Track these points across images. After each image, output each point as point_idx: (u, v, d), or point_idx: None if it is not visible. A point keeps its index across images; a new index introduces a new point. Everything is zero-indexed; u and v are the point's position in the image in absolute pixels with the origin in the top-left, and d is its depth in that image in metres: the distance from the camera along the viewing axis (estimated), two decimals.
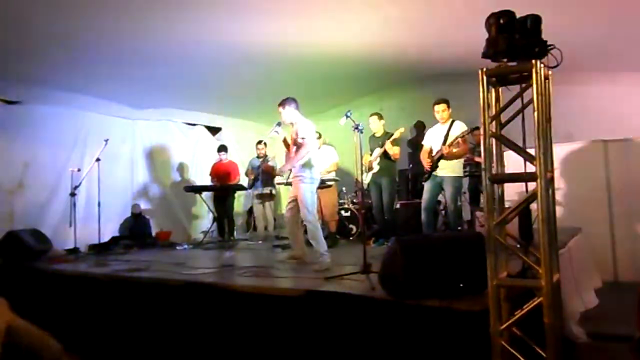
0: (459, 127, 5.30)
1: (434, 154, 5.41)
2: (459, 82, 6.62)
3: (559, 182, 6.78)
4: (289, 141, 4.74)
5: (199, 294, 3.62)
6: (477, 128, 6.13)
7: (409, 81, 7.88)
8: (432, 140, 5.52)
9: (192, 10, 4.88)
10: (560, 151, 6.70)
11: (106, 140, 6.04)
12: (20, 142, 6.57)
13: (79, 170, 6.26)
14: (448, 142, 5.24)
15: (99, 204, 5.99)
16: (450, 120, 5.40)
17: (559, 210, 6.89)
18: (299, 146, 4.50)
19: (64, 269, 4.98)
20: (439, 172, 5.30)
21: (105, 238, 6.54)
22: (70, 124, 7.10)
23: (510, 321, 2.16)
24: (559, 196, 6.77)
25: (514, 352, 2.16)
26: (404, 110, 7.94)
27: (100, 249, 6.14)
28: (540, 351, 2.15)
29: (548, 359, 2.09)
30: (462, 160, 5.51)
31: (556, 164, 6.72)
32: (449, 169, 5.28)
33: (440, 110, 5.39)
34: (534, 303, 2.08)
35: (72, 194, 5.90)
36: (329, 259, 4.29)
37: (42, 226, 6.29)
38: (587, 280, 5.21)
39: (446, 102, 5.43)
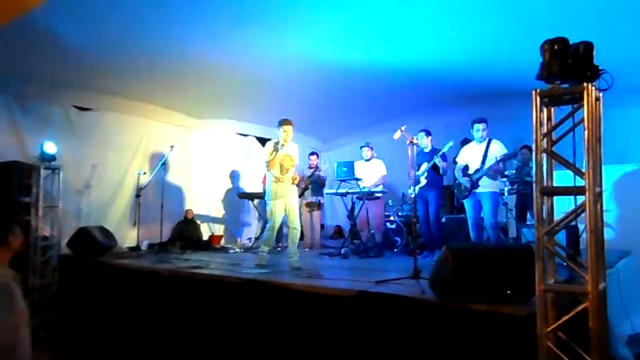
0: (497, 146, 5.46)
1: (470, 171, 5.57)
2: (505, 102, 6.74)
3: (609, 204, 6.74)
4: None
5: (258, 291, 3.90)
6: (525, 147, 6.24)
7: (457, 99, 8.00)
8: (468, 158, 5.70)
9: (250, 27, 5.23)
10: (612, 173, 6.66)
11: (172, 146, 6.46)
12: (90, 145, 6.97)
13: (145, 173, 6.70)
14: (487, 160, 5.45)
15: (161, 207, 6.38)
16: (487, 138, 5.56)
17: (609, 233, 6.85)
18: None
19: (129, 264, 5.38)
20: (477, 190, 5.48)
21: (161, 239, 6.94)
22: (136, 131, 7.53)
23: (556, 324, 2.31)
24: (610, 218, 6.74)
25: (560, 354, 2.30)
26: (452, 126, 8.07)
27: (159, 248, 6.53)
28: (585, 356, 2.28)
29: None
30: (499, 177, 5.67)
31: (608, 186, 6.75)
32: (486, 186, 5.45)
33: (480, 128, 5.60)
34: (580, 307, 2.23)
35: (138, 195, 6.32)
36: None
37: (104, 224, 6.73)
38: (636, 304, 5.18)
39: (485, 121, 5.61)
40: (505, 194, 6.54)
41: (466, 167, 5.69)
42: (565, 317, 2.29)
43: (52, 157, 6.08)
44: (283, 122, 5.30)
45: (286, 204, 5.25)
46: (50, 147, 6.03)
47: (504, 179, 6.41)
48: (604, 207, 6.84)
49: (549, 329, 2.33)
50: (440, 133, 6.90)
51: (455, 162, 5.99)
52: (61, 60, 5.66)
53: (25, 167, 5.90)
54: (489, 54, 5.88)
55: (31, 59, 5.53)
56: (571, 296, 2.55)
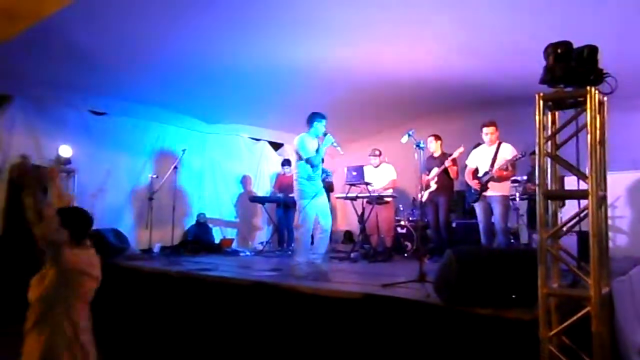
0: (508, 149, 5.42)
1: (480, 174, 5.54)
2: (518, 107, 6.70)
3: (623, 210, 6.66)
4: None
5: (265, 293, 3.94)
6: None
7: (470, 104, 7.98)
8: (478, 161, 5.68)
9: (263, 33, 5.30)
10: (625, 179, 6.59)
11: (184, 150, 6.55)
12: (104, 149, 7.09)
13: (157, 176, 6.79)
14: (497, 163, 5.38)
15: (173, 209, 6.46)
16: (498, 142, 5.53)
17: (623, 239, 6.78)
18: None
19: (141, 266, 5.46)
20: (487, 193, 5.44)
21: (173, 242, 7.02)
22: (149, 135, 7.67)
23: (559, 328, 2.31)
24: (623, 225, 6.65)
25: (562, 358, 2.29)
26: (464, 132, 8.05)
27: (171, 251, 6.60)
28: (586, 358, 2.27)
29: None
30: (509, 180, 5.64)
31: (621, 192, 6.68)
32: (496, 189, 5.43)
33: (489, 132, 5.56)
34: (583, 312, 2.22)
35: (150, 199, 6.41)
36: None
37: (118, 227, 6.80)
38: None
39: (494, 124, 5.58)
40: (517, 199, 6.49)
41: (476, 170, 5.66)
42: (568, 322, 2.28)
43: (68, 161, 6.21)
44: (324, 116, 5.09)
45: (318, 205, 4.88)
46: (65, 151, 6.15)
47: (515, 184, 6.37)
48: (618, 214, 6.78)
49: (552, 333, 2.32)
50: (452, 138, 6.88)
51: (465, 166, 5.98)
52: (77, 66, 5.78)
53: (41, 170, 6.03)
54: (500, 59, 5.87)
55: (48, 64, 5.66)
56: (575, 301, 2.53)
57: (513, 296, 2.85)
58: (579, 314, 2.24)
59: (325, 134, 5.07)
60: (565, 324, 2.30)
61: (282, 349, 3.71)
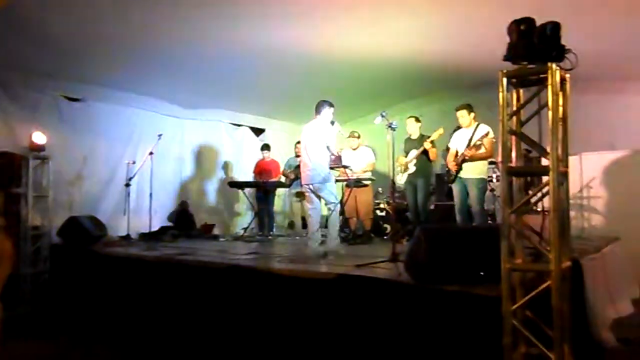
0: (483, 130, 5.45)
1: (459, 156, 5.60)
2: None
3: (598, 191, 6.76)
4: None
5: (239, 276, 3.95)
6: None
7: (451, 88, 8.00)
8: (458, 144, 5.72)
9: (240, 17, 5.22)
10: (601, 160, 6.68)
11: (160, 135, 6.48)
12: (80, 136, 6.97)
13: (133, 162, 6.72)
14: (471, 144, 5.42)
15: (150, 195, 6.41)
16: (475, 123, 5.58)
17: (598, 219, 6.86)
18: None
19: (118, 252, 5.42)
20: (463, 174, 5.50)
21: (154, 228, 6.97)
22: (126, 121, 7.54)
23: (521, 302, 2.35)
24: (598, 205, 6.75)
25: (524, 331, 2.33)
26: (444, 115, 8.05)
27: (150, 237, 6.55)
28: (547, 331, 2.31)
29: (554, 339, 2.26)
30: (486, 163, 5.67)
31: (597, 173, 6.76)
32: (472, 171, 5.48)
33: (460, 115, 5.66)
34: (544, 286, 2.26)
35: (127, 185, 6.36)
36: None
37: (96, 215, 6.73)
38: (622, 289, 5.21)
39: (467, 107, 5.66)
40: (494, 180, 6.54)
41: (457, 153, 5.72)
42: (528, 296, 2.32)
43: (41, 147, 6.10)
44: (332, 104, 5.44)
45: None
46: (38, 137, 6.05)
47: (493, 166, 6.41)
48: (594, 194, 6.85)
49: (514, 307, 2.36)
50: (432, 121, 6.87)
51: (447, 149, 6.01)
52: (48, 51, 5.66)
53: (15, 157, 5.94)
54: (480, 41, 5.84)
55: (17, 49, 5.53)
56: (540, 277, 2.58)
57: (481, 273, 2.89)
58: (540, 288, 2.28)
59: (332, 122, 5.34)
60: (526, 298, 2.34)
61: (259, 330, 3.73)
